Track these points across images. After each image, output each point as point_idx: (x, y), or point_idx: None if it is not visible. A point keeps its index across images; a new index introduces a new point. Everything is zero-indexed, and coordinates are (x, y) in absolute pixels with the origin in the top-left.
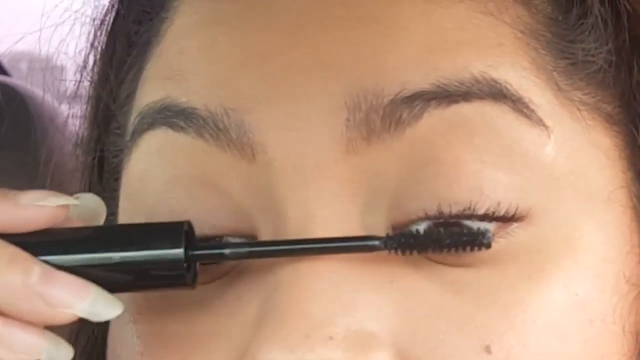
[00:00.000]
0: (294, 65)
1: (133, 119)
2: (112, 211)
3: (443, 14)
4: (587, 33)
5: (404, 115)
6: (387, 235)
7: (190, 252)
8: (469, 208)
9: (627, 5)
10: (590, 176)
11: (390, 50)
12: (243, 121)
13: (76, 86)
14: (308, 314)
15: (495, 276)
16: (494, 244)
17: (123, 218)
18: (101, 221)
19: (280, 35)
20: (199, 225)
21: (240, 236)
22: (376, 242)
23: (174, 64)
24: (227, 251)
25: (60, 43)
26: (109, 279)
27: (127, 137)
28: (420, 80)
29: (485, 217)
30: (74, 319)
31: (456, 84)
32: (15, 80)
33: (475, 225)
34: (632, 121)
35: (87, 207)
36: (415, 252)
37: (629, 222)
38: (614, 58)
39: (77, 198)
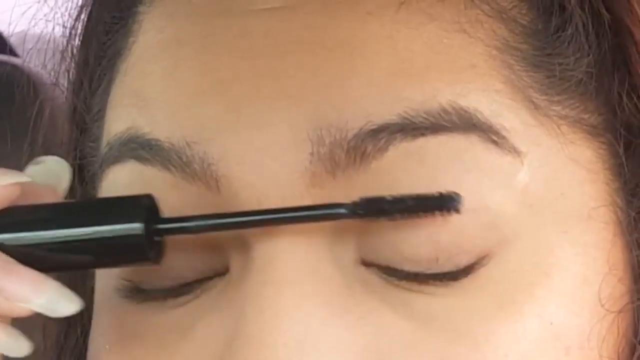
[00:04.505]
0: (255, 93)
1: (103, 147)
2: None
3: (411, 35)
4: (566, 44)
5: (369, 149)
6: (354, 202)
7: (152, 226)
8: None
9: (608, 13)
10: (569, 196)
11: (354, 77)
12: (206, 153)
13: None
14: (271, 359)
15: (466, 308)
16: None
17: None
18: (65, 183)
19: (241, 60)
20: (172, 260)
21: (213, 271)
22: (342, 210)
23: (137, 87)
24: (190, 224)
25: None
26: (70, 258)
27: (97, 164)
28: (385, 111)
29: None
30: (30, 313)
31: (423, 115)
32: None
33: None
34: (615, 131)
35: (51, 171)
36: (382, 218)
37: (612, 238)
38: (595, 70)
39: (41, 162)
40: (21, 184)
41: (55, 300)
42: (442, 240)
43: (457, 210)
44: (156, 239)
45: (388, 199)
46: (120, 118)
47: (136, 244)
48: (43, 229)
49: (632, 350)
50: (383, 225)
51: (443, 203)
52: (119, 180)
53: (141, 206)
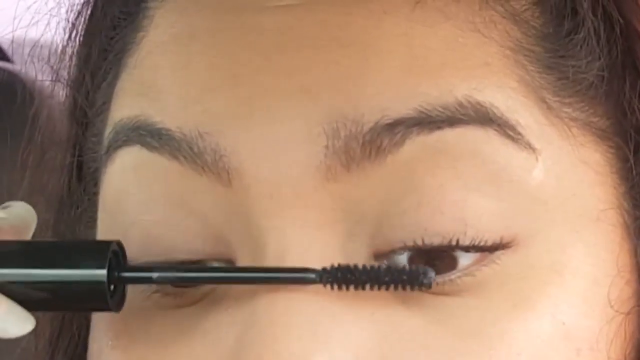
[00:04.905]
0: (269, 88)
1: (108, 133)
2: (92, 216)
3: (427, 33)
4: (578, 47)
5: (385, 143)
6: (324, 269)
7: (116, 274)
8: (453, 240)
9: (620, 17)
10: (579, 196)
11: (370, 73)
12: (218, 145)
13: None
14: (284, 353)
15: (479, 306)
16: (478, 272)
17: (102, 229)
18: (32, 230)
19: (255, 56)
20: (176, 250)
21: (219, 261)
22: (312, 275)
23: (148, 79)
24: (154, 275)
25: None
26: (31, 296)
27: (103, 151)
28: (401, 105)
29: (470, 248)
30: None
31: (440, 109)
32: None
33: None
34: (624, 135)
35: (18, 216)
36: (352, 287)
37: (619, 240)
38: (605, 74)
39: (7, 207)
40: None
41: (7, 320)
42: (467, 217)
43: (429, 287)
44: (118, 287)
45: (360, 268)
46: (127, 106)
47: (97, 291)
48: (5, 265)
49: (638, 353)
50: (402, 208)
51: (415, 279)
52: (126, 162)
53: (106, 253)
